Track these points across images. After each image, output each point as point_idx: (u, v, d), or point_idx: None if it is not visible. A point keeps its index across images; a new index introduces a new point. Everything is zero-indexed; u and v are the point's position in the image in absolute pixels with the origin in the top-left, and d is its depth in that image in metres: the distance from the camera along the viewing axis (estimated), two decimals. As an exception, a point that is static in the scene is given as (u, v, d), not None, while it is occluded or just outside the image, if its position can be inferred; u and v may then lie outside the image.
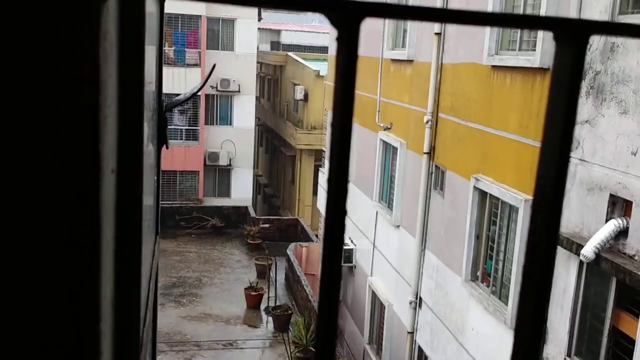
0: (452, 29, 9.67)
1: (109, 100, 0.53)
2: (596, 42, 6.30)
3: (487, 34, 8.36)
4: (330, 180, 0.53)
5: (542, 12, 7.14)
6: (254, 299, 17.30)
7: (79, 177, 0.44)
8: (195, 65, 24.94)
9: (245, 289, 17.51)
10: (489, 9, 8.32)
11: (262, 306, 17.36)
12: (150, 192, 1.44)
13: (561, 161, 0.51)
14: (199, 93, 24.81)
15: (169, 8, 26.10)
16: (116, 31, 0.55)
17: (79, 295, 0.47)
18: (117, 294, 0.64)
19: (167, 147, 1.65)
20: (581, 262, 6.27)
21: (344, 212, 0.50)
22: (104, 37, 0.47)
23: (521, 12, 7.87)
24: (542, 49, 7.13)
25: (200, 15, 24.77)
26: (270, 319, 16.52)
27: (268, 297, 17.20)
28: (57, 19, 0.41)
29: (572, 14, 6.59)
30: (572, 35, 0.49)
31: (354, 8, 0.45)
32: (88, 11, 0.41)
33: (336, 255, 0.51)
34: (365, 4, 0.46)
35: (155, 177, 1.56)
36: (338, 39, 0.48)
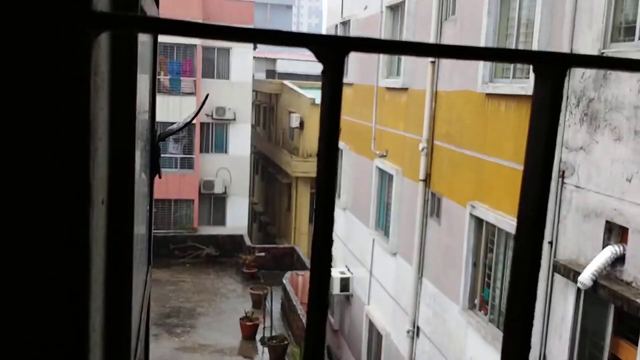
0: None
1: (100, 132, 0.53)
2: (588, 69, 6.39)
3: (481, 62, 8.47)
4: (317, 211, 0.53)
5: (535, 40, 7.24)
6: (249, 330, 17.09)
7: (68, 208, 0.44)
8: (191, 93, 25.09)
9: (240, 319, 17.32)
10: (482, 38, 8.44)
11: (258, 337, 17.14)
12: (143, 221, 1.45)
13: (542, 191, 0.52)
14: (194, 121, 24.92)
15: (164, 37, 26.40)
16: (108, 65, 0.56)
17: (66, 325, 0.47)
18: (107, 325, 0.64)
19: (159, 177, 1.66)
20: (579, 290, 6.24)
21: (330, 240, 0.51)
22: (95, 72, 0.48)
23: (514, 39, 7.99)
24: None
25: (196, 45, 25.03)
26: (266, 349, 16.30)
27: (264, 327, 17.01)
28: (49, 54, 0.42)
29: (565, 41, 6.70)
30: (551, 68, 0.51)
31: (337, 43, 0.47)
32: (79, 47, 0.42)
33: (324, 288, 0.52)
34: (349, 39, 0.48)
35: (148, 207, 1.56)
36: (323, 72, 0.50)
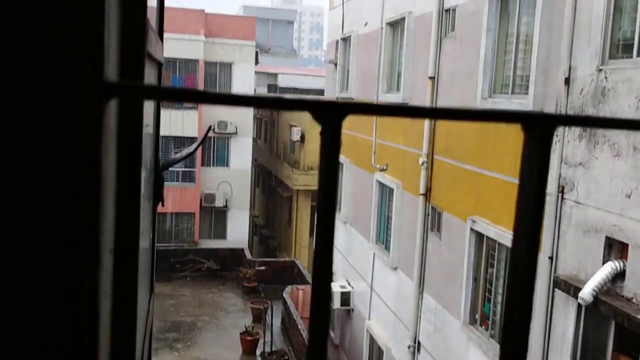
0: (445, 73, 9.85)
1: (108, 187, 0.56)
2: (587, 85, 6.43)
3: (480, 77, 8.52)
4: (315, 262, 0.56)
5: (534, 56, 7.29)
6: (249, 344, 17.02)
7: (78, 259, 0.47)
8: (193, 108, 25.20)
9: (240, 333, 17.25)
10: (481, 54, 8.50)
11: (258, 351, 17.06)
12: (147, 251, 1.47)
13: (531, 245, 0.54)
14: (195, 135, 24.99)
15: (167, 52, 26.40)
16: (116, 121, 0.59)
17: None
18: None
19: (162, 205, 1.68)
20: (579, 305, 6.24)
21: (330, 260, 0.53)
22: (106, 133, 0.50)
23: (513, 55, 8.04)
24: (534, 93, 7.26)
25: (198, 60, 25.18)
26: (267, 364, 16.22)
27: (264, 342, 16.93)
28: (61, 122, 0.45)
29: (563, 58, 6.75)
30: (539, 128, 0.53)
31: (335, 108, 0.49)
32: (91, 114, 0.45)
33: (325, 303, 0.54)
34: (346, 105, 0.50)
35: (151, 236, 1.59)
36: (321, 134, 0.52)
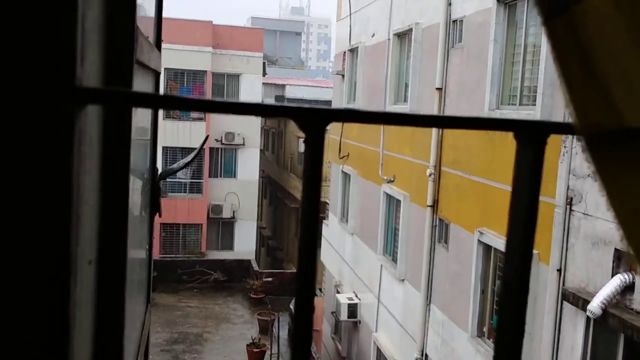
0: (453, 84, 9.84)
1: (87, 195, 0.54)
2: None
3: (488, 88, 8.50)
4: (299, 265, 0.55)
5: (542, 67, 7.26)
6: (256, 356, 16.94)
7: (48, 270, 0.45)
8: (200, 119, 25.30)
9: (247, 345, 17.19)
10: (489, 65, 8.48)
11: (265, 363, 16.98)
12: (142, 262, 1.45)
13: (525, 254, 0.52)
14: (203, 147, 25.09)
15: (174, 64, 26.48)
16: (98, 128, 0.57)
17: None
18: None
19: (160, 216, 1.67)
20: (588, 318, 6.16)
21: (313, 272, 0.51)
22: (81, 141, 0.49)
23: (520, 66, 8.01)
24: (542, 104, 7.22)
25: (206, 71, 25.32)
26: (274, 375, 16.14)
27: (271, 354, 16.86)
28: (31, 128, 0.44)
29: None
30: (531, 136, 0.51)
31: (318, 115, 0.48)
32: (62, 121, 0.44)
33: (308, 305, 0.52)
34: (329, 111, 0.49)
35: (148, 246, 1.57)
36: (305, 141, 0.51)
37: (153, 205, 1.53)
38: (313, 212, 0.52)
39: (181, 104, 0.47)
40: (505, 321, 0.52)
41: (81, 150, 0.50)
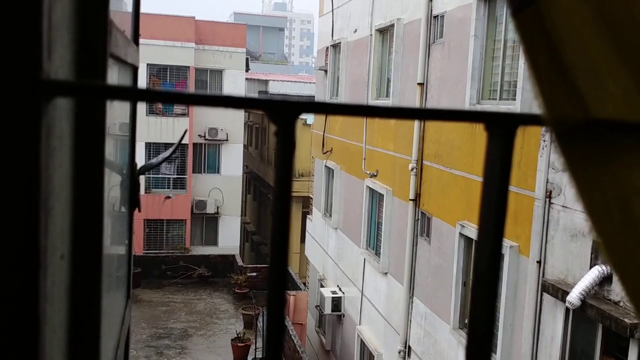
0: (434, 79, 9.89)
1: (58, 189, 0.54)
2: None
3: (469, 82, 8.55)
4: (271, 258, 0.55)
5: (521, 62, 7.33)
6: (241, 351, 16.94)
7: (15, 272, 0.45)
8: (183, 114, 25.14)
9: (232, 340, 17.17)
10: (469, 60, 8.54)
11: (250, 357, 16.98)
12: (122, 256, 1.44)
13: (495, 243, 0.53)
14: (187, 142, 24.94)
15: (157, 59, 26.27)
16: (69, 121, 0.57)
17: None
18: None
19: (139, 211, 1.66)
20: (567, 309, 6.25)
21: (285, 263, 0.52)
22: (49, 134, 0.48)
23: (501, 61, 8.08)
24: (522, 98, 7.29)
25: (189, 66, 25.14)
26: (258, 370, 16.14)
27: (255, 348, 16.86)
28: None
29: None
30: (502, 127, 0.52)
31: (288, 107, 0.48)
32: (27, 114, 0.43)
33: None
34: (298, 103, 0.49)
35: (127, 241, 1.56)
36: (276, 134, 0.51)
37: (132, 200, 1.52)
38: (284, 205, 0.53)
39: (152, 96, 0.47)
40: (476, 310, 0.53)
41: (50, 144, 0.49)
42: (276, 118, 0.49)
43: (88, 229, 0.64)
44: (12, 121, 0.43)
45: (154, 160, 2.47)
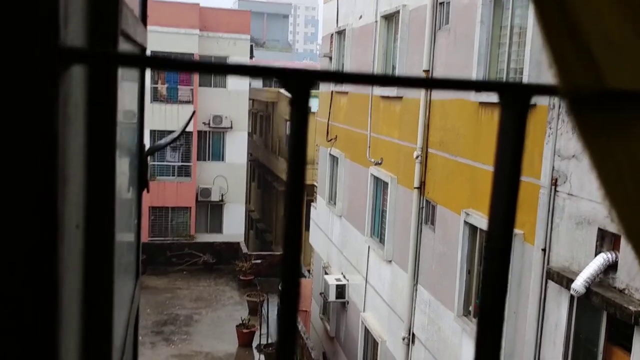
0: (440, 65, 9.84)
1: (73, 160, 0.54)
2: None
3: (475, 69, 8.51)
4: (285, 229, 0.55)
5: (527, 48, 7.28)
6: (245, 337, 17.06)
7: (34, 234, 0.45)
8: (188, 102, 25.13)
9: (237, 326, 17.28)
10: (475, 46, 8.49)
11: (254, 344, 17.10)
12: (131, 235, 1.45)
13: (507, 226, 0.53)
14: (191, 130, 24.95)
15: (162, 46, 26.25)
16: (83, 91, 0.57)
17: (34, 351, 0.47)
18: (85, 348, 0.64)
19: (147, 191, 1.67)
20: (572, 297, 6.26)
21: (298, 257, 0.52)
22: (66, 102, 0.49)
23: (507, 48, 8.03)
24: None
25: (193, 54, 25.08)
26: (263, 356, 16.26)
27: (260, 335, 16.97)
28: (15, 89, 0.44)
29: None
30: (515, 98, 0.52)
31: (304, 75, 0.48)
32: (46, 81, 0.44)
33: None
34: (313, 72, 0.49)
35: (136, 221, 1.57)
36: (291, 103, 0.51)
37: (141, 180, 1.53)
38: (299, 176, 0.53)
39: (165, 65, 0.47)
40: (488, 281, 0.53)
41: (67, 112, 0.50)
42: (291, 87, 0.49)
43: (101, 199, 0.65)
44: (33, 87, 0.43)
45: (162, 141, 2.48)
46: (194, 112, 3.39)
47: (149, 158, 1.69)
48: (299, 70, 0.48)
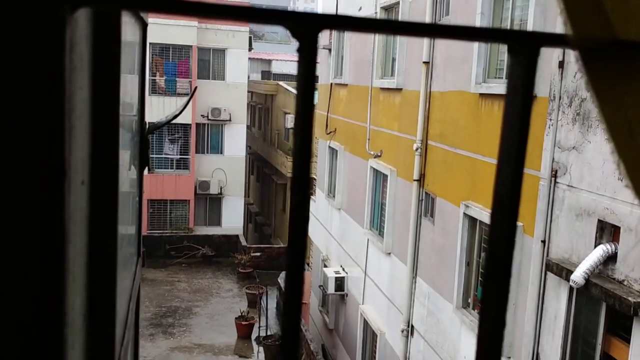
0: (440, 58, 9.82)
1: (79, 112, 0.54)
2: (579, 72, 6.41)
3: (475, 62, 8.49)
4: (293, 190, 0.54)
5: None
6: (244, 329, 17.09)
7: (41, 185, 0.45)
8: (186, 94, 25.06)
9: (236, 318, 17.32)
10: (475, 50, 8.45)
11: (253, 336, 17.14)
12: (133, 212, 1.45)
13: (515, 175, 0.53)
14: (190, 122, 24.91)
15: (160, 38, 26.14)
16: (89, 45, 0.56)
17: (42, 304, 0.47)
18: (90, 304, 0.64)
19: (149, 171, 1.66)
20: (571, 288, 6.27)
21: (306, 216, 0.52)
22: (71, 50, 0.48)
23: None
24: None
25: (192, 46, 25.02)
26: (262, 348, 16.30)
27: (259, 327, 17.01)
28: (20, 31, 0.43)
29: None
30: (524, 47, 0.51)
31: (312, 20, 0.47)
32: (52, 23, 0.43)
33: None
34: (322, 16, 0.48)
35: (138, 198, 1.57)
36: (298, 50, 0.51)
37: (142, 158, 1.52)
38: (306, 132, 0.52)
39: (166, 5, 0.46)
40: (489, 289, 0.52)
41: (72, 59, 0.49)
42: (298, 32, 0.48)
43: (105, 155, 0.64)
44: (39, 29, 0.43)
45: (162, 119, 2.48)
46: (195, 88, 3.38)
47: (149, 137, 1.70)
48: (307, 13, 0.47)
